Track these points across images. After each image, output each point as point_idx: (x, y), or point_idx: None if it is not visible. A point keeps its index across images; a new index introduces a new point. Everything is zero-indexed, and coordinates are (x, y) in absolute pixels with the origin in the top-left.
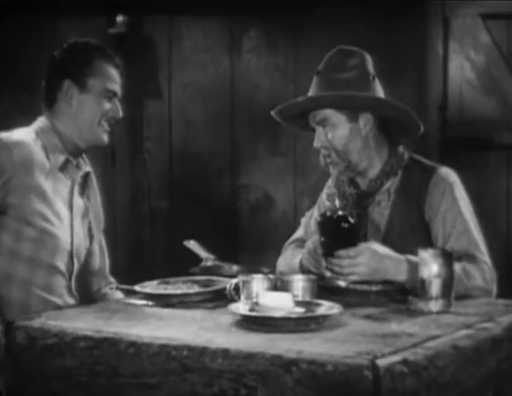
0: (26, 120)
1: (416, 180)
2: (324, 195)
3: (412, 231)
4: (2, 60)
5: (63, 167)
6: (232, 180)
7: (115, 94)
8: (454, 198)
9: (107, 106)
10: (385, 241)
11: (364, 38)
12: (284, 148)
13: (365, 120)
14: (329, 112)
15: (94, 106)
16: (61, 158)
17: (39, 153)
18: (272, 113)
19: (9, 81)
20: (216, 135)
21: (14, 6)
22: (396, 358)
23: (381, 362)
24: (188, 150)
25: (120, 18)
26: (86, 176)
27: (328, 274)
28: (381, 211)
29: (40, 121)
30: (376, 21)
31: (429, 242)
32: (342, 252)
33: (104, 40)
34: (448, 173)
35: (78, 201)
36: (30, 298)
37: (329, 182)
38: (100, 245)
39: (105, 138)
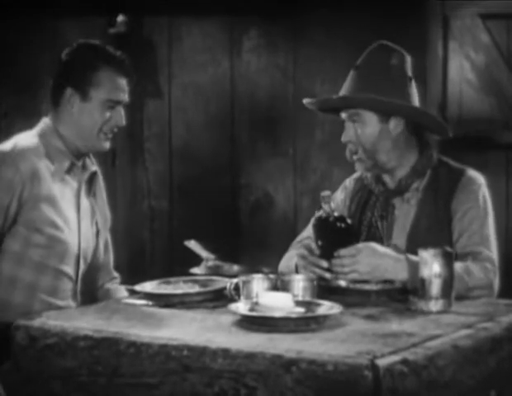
0: (27, 122)
1: (445, 180)
2: (338, 195)
3: (439, 228)
4: (2, 61)
5: (69, 170)
6: (232, 180)
7: (118, 102)
8: (478, 199)
9: (109, 114)
10: (410, 238)
11: (364, 38)
12: (284, 148)
13: (395, 123)
14: (360, 110)
15: (95, 115)
16: (66, 163)
17: (44, 160)
18: (305, 103)
19: (9, 82)
20: (216, 135)
21: (14, 6)
22: (396, 358)
23: (381, 362)
24: (188, 150)
25: (120, 18)
26: (92, 175)
27: (328, 276)
28: (408, 209)
29: (44, 123)
30: (376, 20)
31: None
32: (343, 251)
33: (104, 40)
34: (477, 176)
35: (85, 202)
36: (33, 302)
37: (347, 182)
38: (105, 241)
39: (106, 145)
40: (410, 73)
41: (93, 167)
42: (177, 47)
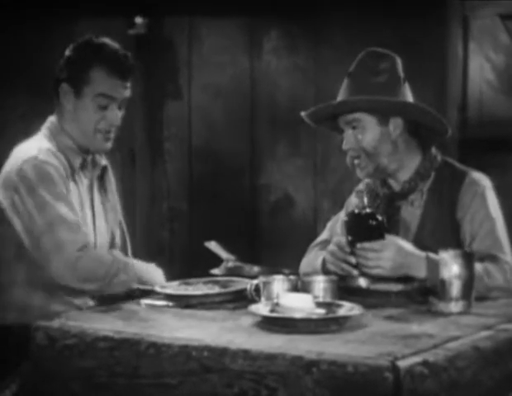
0: (44, 123)
1: (449, 181)
2: (352, 199)
3: (444, 230)
4: (19, 63)
5: (82, 167)
6: (252, 180)
7: (111, 101)
8: (484, 200)
9: (102, 113)
10: (416, 240)
11: (384, 39)
12: (304, 149)
13: (395, 125)
14: (359, 115)
15: (89, 113)
16: (78, 160)
17: (55, 164)
18: (303, 115)
19: (26, 84)
20: (236, 136)
21: (32, 7)
22: (417, 359)
23: (402, 363)
24: (208, 151)
25: (139, 19)
26: (103, 169)
27: (355, 272)
28: (413, 211)
29: (50, 122)
30: (397, 21)
31: (459, 242)
32: (366, 245)
33: (123, 42)
34: (481, 177)
35: (98, 199)
36: (51, 301)
37: (360, 186)
38: (121, 229)
39: (106, 145)
40: (401, 74)
41: (103, 161)
42: (198, 48)
